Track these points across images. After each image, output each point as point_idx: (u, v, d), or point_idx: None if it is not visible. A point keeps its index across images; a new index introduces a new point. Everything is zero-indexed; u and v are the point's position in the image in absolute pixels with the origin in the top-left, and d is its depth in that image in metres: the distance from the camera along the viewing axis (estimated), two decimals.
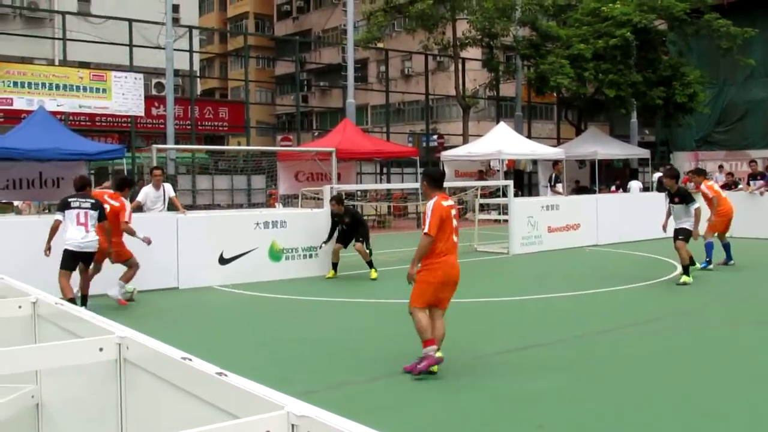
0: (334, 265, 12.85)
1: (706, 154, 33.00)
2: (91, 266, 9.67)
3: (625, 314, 9.55)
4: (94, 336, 2.62)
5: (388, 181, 30.73)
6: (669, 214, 12.38)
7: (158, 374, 2.41)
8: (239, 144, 32.87)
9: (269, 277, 12.28)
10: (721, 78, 32.59)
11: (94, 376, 2.65)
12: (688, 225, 11.78)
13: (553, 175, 21.15)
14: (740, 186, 20.51)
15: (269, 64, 58.65)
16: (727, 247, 13.67)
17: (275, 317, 9.65)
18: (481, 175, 28.23)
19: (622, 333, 8.44)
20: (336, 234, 12.82)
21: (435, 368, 6.40)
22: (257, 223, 12.52)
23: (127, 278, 10.13)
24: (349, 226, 12.73)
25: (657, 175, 24.92)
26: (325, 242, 12.84)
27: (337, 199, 12.69)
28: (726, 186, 20.82)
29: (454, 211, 6.55)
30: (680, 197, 11.88)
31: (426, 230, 6.33)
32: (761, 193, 18.28)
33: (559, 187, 20.71)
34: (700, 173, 13.77)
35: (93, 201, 9.41)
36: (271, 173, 25.08)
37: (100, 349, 2.55)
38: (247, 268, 12.18)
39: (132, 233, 10.06)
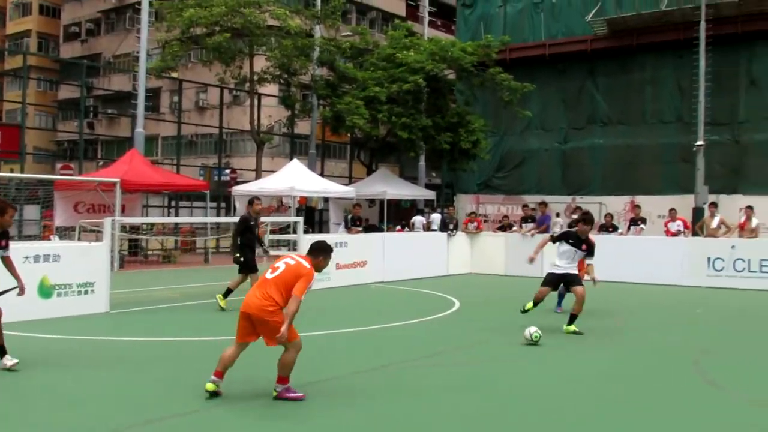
0: (229, 292, 12.57)
1: (486, 198, 35.10)
2: None
3: (405, 349, 9.74)
4: None
5: (177, 215, 29.82)
6: (541, 248, 11.88)
7: None
8: (12, 171, 30.48)
9: (38, 315, 11.32)
10: (501, 127, 34.84)
11: None
12: (575, 271, 11.49)
13: (350, 217, 21.60)
14: (514, 228, 21.98)
15: (52, 87, 55.38)
16: None
17: (43, 359, 8.88)
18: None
19: (402, 367, 8.59)
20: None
21: (211, 386, 6.82)
22: (26, 257, 11.53)
23: None
24: (253, 231, 12.79)
25: (435, 215, 26.31)
26: (240, 255, 12.65)
27: (258, 198, 13.05)
28: (502, 228, 22.31)
29: (276, 264, 7.28)
30: (589, 247, 11.51)
31: None
32: (532, 235, 19.88)
33: (355, 229, 21.14)
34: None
35: None
36: (47, 203, 23.50)
37: None
38: (12, 306, 11.16)
39: None
